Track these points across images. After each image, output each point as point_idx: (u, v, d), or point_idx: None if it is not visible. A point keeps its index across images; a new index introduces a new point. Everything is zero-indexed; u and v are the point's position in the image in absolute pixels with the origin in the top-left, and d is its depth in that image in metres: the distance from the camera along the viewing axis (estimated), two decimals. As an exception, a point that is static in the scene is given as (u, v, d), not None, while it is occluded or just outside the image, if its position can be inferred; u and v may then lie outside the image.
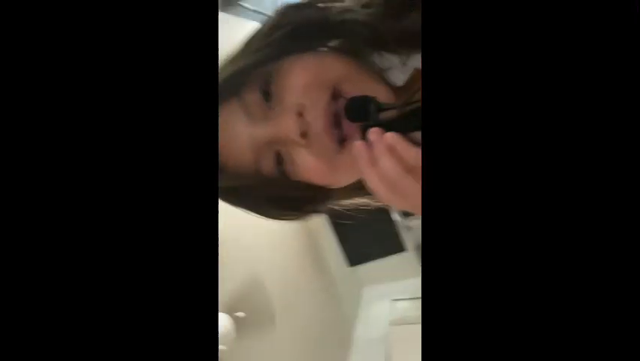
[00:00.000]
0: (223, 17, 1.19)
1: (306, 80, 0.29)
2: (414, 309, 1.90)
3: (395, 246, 1.89)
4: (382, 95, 0.28)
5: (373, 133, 0.24)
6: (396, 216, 1.73)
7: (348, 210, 0.38)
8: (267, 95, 0.29)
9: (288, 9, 0.32)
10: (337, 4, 0.31)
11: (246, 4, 1.17)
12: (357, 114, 0.27)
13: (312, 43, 0.32)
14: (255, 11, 1.20)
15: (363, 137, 0.25)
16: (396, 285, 2.02)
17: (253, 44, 0.32)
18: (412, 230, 1.80)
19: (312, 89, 0.28)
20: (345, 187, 0.33)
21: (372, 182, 0.25)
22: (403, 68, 0.32)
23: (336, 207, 0.38)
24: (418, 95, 0.26)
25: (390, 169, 0.23)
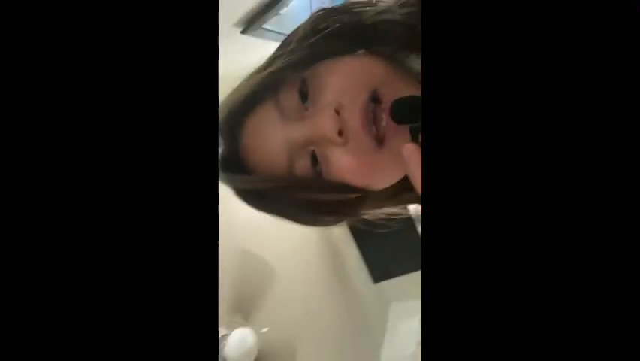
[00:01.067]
0: (246, 39, 1.25)
1: (343, 81, 0.29)
2: (444, 328, 1.80)
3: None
4: None
5: None
6: (420, 229, 1.68)
7: (379, 219, 0.37)
8: (303, 96, 0.29)
9: (323, 13, 0.32)
10: (372, 8, 0.31)
11: (268, 27, 1.23)
12: (404, 115, 0.26)
13: (349, 46, 0.31)
14: (277, 32, 1.25)
15: (413, 138, 0.25)
16: (424, 302, 1.94)
17: (289, 47, 0.31)
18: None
19: (350, 90, 0.28)
20: (380, 193, 0.32)
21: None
22: None
23: (366, 217, 0.36)
24: None
25: None
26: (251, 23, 1.19)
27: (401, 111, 0.27)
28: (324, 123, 0.28)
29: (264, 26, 1.22)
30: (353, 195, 0.30)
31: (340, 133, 0.27)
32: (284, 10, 1.18)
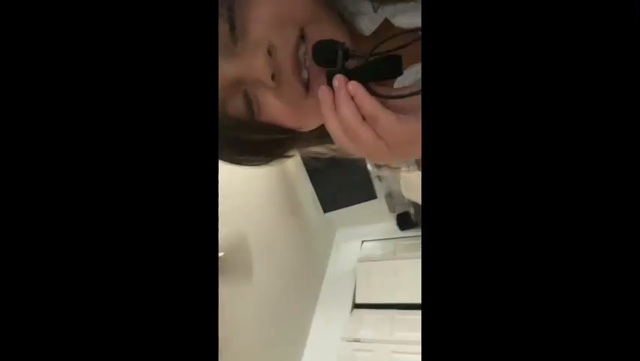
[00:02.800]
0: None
1: (272, 15, 0.27)
2: (379, 248, 2.11)
3: (367, 193, 2.02)
4: (348, 42, 0.28)
5: (337, 80, 0.25)
6: (369, 167, 1.82)
7: (306, 158, 0.39)
8: (232, 27, 0.27)
9: None
10: None
11: None
12: (324, 58, 0.27)
13: None
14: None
15: (329, 82, 0.26)
16: (366, 228, 2.20)
17: None
18: (383, 180, 1.91)
19: (280, 26, 0.27)
20: (308, 134, 0.33)
21: (332, 126, 0.26)
22: (374, 17, 0.31)
23: (294, 156, 0.37)
24: (384, 47, 0.27)
25: (348, 116, 0.25)
26: None
27: (321, 53, 0.27)
28: (257, 65, 0.27)
29: None
30: (283, 136, 0.31)
31: (274, 77, 0.27)
32: None
